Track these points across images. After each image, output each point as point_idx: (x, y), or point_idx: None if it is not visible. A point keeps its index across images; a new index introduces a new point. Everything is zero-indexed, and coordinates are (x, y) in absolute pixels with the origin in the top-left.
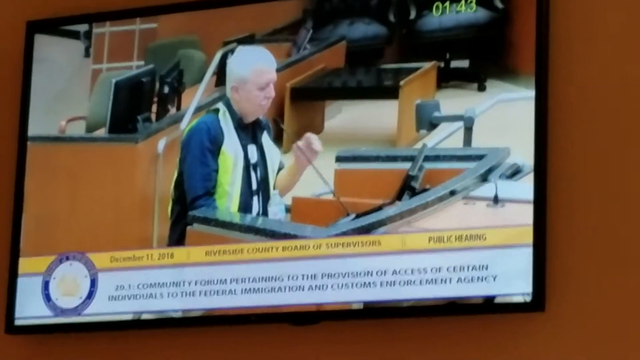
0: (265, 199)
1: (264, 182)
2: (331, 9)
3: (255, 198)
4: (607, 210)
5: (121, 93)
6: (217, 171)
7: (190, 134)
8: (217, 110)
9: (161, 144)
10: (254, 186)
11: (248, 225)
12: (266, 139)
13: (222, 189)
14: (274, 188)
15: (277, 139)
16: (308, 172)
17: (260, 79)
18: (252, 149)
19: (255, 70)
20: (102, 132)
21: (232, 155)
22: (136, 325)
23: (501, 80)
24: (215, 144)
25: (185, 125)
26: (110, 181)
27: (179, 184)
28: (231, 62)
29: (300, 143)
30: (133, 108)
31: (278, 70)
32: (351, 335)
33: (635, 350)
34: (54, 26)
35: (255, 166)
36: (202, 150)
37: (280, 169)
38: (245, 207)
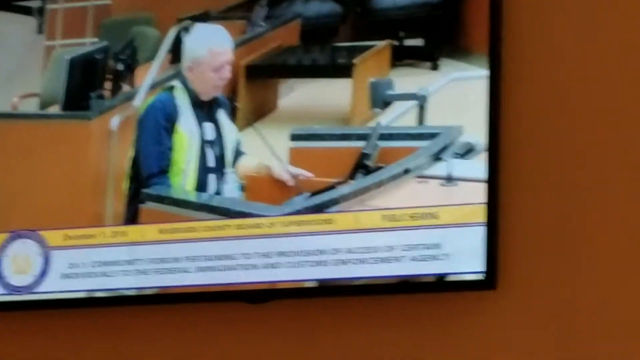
0: (221, 176)
1: (220, 160)
2: None
3: (211, 176)
4: (558, 189)
5: (75, 70)
6: (171, 149)
7: (145, 112)
8: (172, 88)
9: (115, 121)
10: (210, 164)
11: (202, 204)
12: (223, 117)
13: (177, 167)
14: (232, 166)
15: (233, 118)
16: (263, 151)
17: (214, 61)
18: (208, 127)
19: (210, 52)
20: (55, 109)
21: (187, 133)
22: (89, 303)
23: (455, 59)
24: (170, 122)
25: (139, 102)
26: (63, 158)
27: (135, 162)
28: (187, 41)
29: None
30: (87, 85)
31: (232, 49)
32: (304, 313)
33: (585, 327)
34: (7, 2)
35: (211, 143)
36: (157, 128)
37: (238, 151)
38: (201, 185)
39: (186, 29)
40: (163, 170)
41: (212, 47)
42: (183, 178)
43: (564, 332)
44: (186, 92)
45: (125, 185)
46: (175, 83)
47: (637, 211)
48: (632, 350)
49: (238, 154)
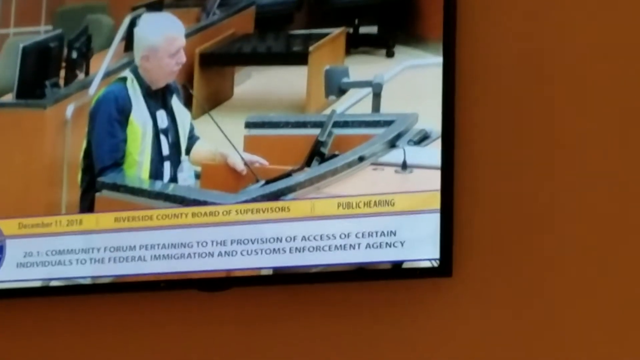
0: (176, 164)
1: (175, 147)
2: None
3: (166, 164)
4: (513, 175)
5: (29, 58)
6: (125, 141)
7: (97, 104)
8: (124, 79)
9: (69, 109)
10: (165, 152)
11: (157, 192)
12: (176, 103)
13: (131, 158)
14: (186, 154)
15: (187, 105)
16: (218, 138)
17: (171, 47)
18: (161, 115)
19: (165, 38)
20: (9, 97)
21: (140, 124)
22: (45, 292)
23: (409, 46)
24: (123, 114)
25: (94, 90)
26: (18, 147)
27: (88, 154)
28: (139, 30)
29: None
30: (41, 73)
31: (187, 36)
32: (261, 301)
33: (541, 313)
34: None
35: (165, 131)
36: (109, 120)
37: (192, 136)
38: (156, 174)
39: (140, 17)
40: (117, 163)
41: (166, 33)
42: (138, 169)
43: (520, 318)
44: (138, 82)
45: (79, 177)
46: (127, 74)
47: (592, 195)
48: (589, 335)
49: (193, 139)
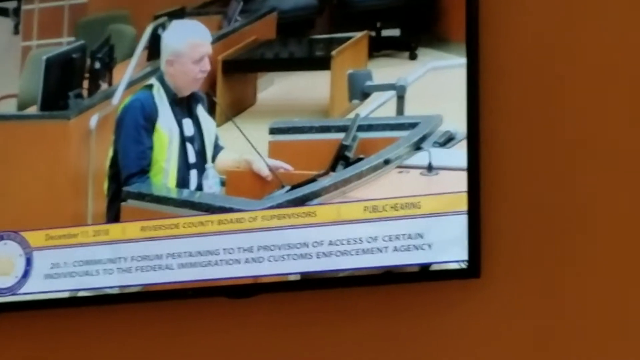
0: (202, 172)
1: (200, 155)
2: None
3: (192, 172)
4: (539, 175)
5: (52, 70)
6: (151, 149)
7: (123, 111)
8: (150, 86)
9: (93, 120)
10: (191, 160)
11: (183, 200)
12: (202, 112)
13: (158, 165)
14: (212, 161)
15: (211, 113)
16: (242, 145)
17: (195, 53)
18: (187, 123)
19: (190, 44)
20: (33, 109)
21: (167, 131)
22: (73, 303)
23: (432, 48)
24: (149, 121)
25: (117, 100)
26: (43, 159)
27: (115, 162)
28: (166, 36)
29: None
30: (64, 84)
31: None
32: (288, 307)
33: (569, 314)
34: None
35: (191, 140)
36: (136, 128)
37: (217, 145)
38: (182, 182)
39: (162, 26)
40: (143, 170)
41: (191, 39)
42: (164, 176)
43: (548, 319)
44: (164, 89)
45: (105, 185)
46: (153, 81)
47: (622, 198)
48: (615, 339)
49: (217, 148)
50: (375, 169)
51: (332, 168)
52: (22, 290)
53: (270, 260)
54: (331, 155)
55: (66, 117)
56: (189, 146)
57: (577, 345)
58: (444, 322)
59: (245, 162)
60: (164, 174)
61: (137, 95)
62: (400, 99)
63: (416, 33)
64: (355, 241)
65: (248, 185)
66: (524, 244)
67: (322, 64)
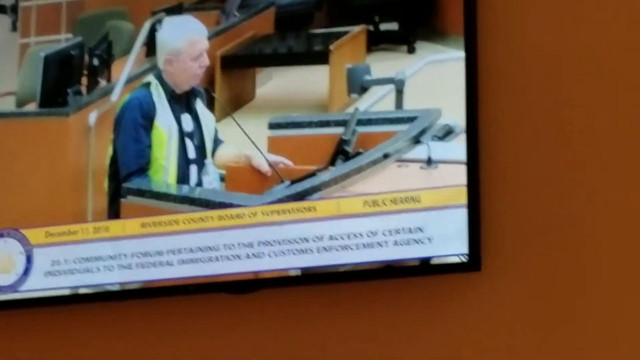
0: (202, 167)
1: (200, 150)
2: None
3: (192, 168)
4: (539, 168)
5: (51, 67)
6: (150, 147)
7: (122, 110)
8: (148, 84)
9: (92, 116)
10: (191, 155)
11: (182, 196)
12: (201, 107)
13: (157, 163)
14: (212, 156)
15: (210, 108)
16: (241, 140)
17: (193, 50)
18: (186, 118)
19: (188, 41)
20: (32, 106)
21: (165, 129)
22: (74, 300)
23: (431, 41)
24: (147, 119)
25: (116, 97)
26: (42, 156)
27: (114, 162)
28: (161, 34)
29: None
30: (63, 81)
31: (208, 39)
32: (290, 302)
33: (569, 307)
34: None
35: (191, 135)
36: (134, 126)
37: (216, 140)
38: (182, 178)
39: (160, 22)
40: (142, 169)
41: (189, 37)
42: (164, 174)
43: (549, 312)
44: (162, 87)
45: (105, 184)
46: (151, 79)
47: (620, 193)
48: (617, 332)
49: (216, 142)
50: (374, 163)
51: (332, 163)
52: (22, 288)
53: (270, 256)
54: (331, 149)
55: (65, 114)
56: (188, 141)
57: (578, 337)
58: (445, 315)
59: (244, 158)
60: (164, 171)
61: (135, 94)
62: (399, 92)
63: (414, 27)
64: (355, 236)
65: (248, 180)
66: (524, 237)
67: (321, 58)
